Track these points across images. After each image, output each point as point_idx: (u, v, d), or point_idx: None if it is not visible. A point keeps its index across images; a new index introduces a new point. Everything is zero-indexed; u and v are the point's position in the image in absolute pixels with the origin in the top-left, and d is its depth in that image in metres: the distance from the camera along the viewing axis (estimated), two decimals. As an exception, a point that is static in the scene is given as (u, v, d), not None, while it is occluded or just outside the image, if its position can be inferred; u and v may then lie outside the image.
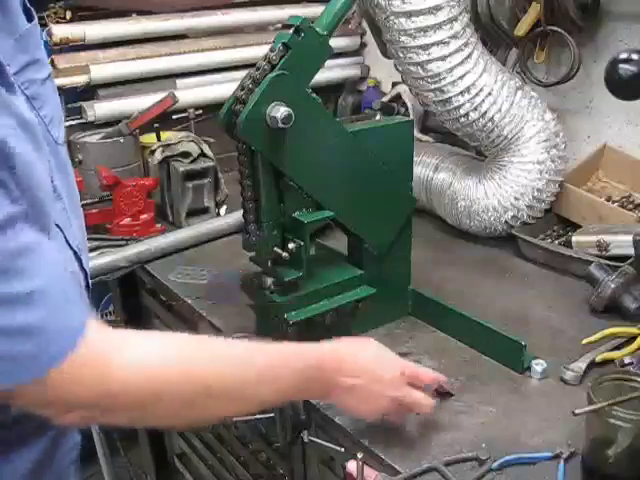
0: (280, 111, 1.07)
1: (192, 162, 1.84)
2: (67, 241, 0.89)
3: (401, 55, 1.53)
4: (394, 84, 2.26)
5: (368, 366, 0.97)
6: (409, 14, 1.46)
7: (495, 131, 1.59)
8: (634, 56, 1.30)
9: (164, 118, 2.02)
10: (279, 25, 2.46)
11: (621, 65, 1.31)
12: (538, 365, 1.18)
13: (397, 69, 1.63)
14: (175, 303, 1.56)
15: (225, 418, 0.84)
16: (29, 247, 0.69)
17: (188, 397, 0.78)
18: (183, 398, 0.78)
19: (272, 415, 1.20)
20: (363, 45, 2.66)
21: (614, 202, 1.71)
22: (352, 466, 0.99)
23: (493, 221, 1.67)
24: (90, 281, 0.97)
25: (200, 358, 0.81)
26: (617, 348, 1.23)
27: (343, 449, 1.10)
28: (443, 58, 1.50)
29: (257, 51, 2.25)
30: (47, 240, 0.74)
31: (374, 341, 1.03)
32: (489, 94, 1.55)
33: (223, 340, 0.88)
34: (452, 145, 1.92)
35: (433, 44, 1.48)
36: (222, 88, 2.20)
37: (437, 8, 1.45)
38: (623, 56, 1.31)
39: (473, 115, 1.56)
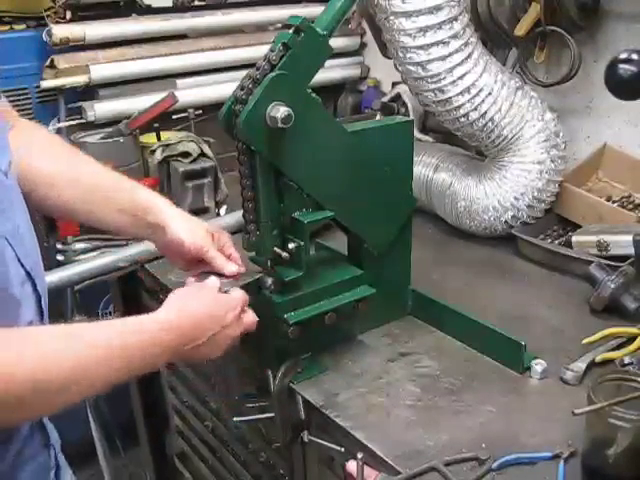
0: (280, 111, 1.07)
1: (192, 162, 1.84)
2: (18, 259, 0.86)
3: (401, 55, 1.53)
4: (394, 84, 2.26)
5: (206, 326, 0.99)
6: (409, 14, 1.46)
7: (495, 131, 1.59)
8: (634, 56, 1.30)
9: (164, 118, 2.01)
10: (279, 25, 2.46)
11: (621, 65, 1.31)
12: (538, 365, 1.18)
13: (397, 69, 1.63)
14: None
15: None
16: None
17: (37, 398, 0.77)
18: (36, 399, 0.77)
19: (272, 415, 1.20)
20: (363, 45, 2.66)
21: (614, 202, 1.71)
22: (352, 466, 0.99)
23: (493, 221, 1.67)
24: (44, 306, 0.94)
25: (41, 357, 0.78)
26: (617, 348, 1.23)
27: (343, 449, 1.10)
28: (443, 58, 1.50)
29: (257, 51, 2.26)
30: None
31: (204, 290, 1.05)
32: (489, 94, 1.55)
33: (61, 337, 0.83)
34: (452, 145, 1.92)
35: (433, 44, 1.48)
36: (222, 88, 2.21)
37: (437, 8, 1.45)
38: (623, 56, 1.31)
39: (473, 115, 1.56)
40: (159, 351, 0.92)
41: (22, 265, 0.87)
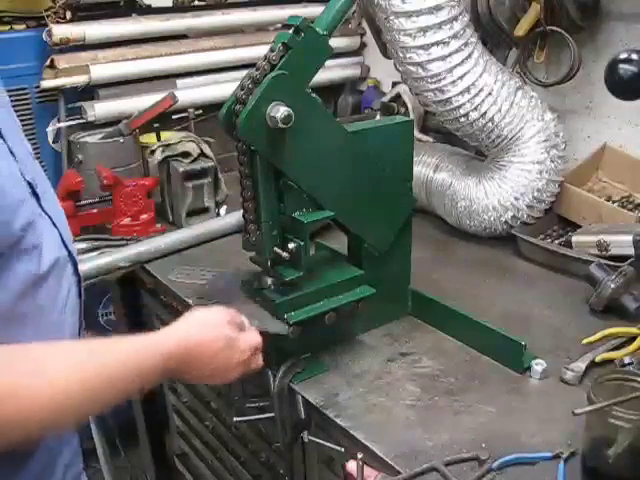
0: (280, 111, 1.07)
1: (192, 162, 1.84)
2: (64, 242, 0.91)
3: (401, 55, 1.53)
4: (394, 84, 2.26)
5: (211, 361, 0.97)
6: (409, 14, 1.46)
7: (495, 131, 1.59)
8: (634, 56, 1.30)
9: (164, 118, 2.02)
10: (279, 25, 2.46)
11: (621, 65, 1.31)
12: (538, 365, 1.18)
13: (397, 69, 1.63)
14: (175, 303, 1.56)
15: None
16: None
17: (43, 414, 0.75)
18: (37, 415, 0.74)
19: (272, 415, 1.20)
20: (363, 45, 2.66)
21: (614, 202, 1.71)
22: (352, 466, 0.99)
23: (493, 221, 1.67)
24: (82, 287, 0.98)
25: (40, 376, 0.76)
26: (617, 348, 1.23)
27: (343, 449, 1.10)
28: (443, 58, 1.50)
29: (257, 51, 2.26)
30: None
31: (226, 326, 1.01)
32: (489, 94, 1.55)
33: (65, 352, 0.82)
34: (452, 145, 1.92)
35: (433, 44, 1.48)
36: (222, 88, 2.21)
37: (437, 8, 1.45)
38: (623, 56, 1.31)
39: (473, 115, 1.56)
40: (159, 374, 0.90)
41: (66, 246, 0.91)
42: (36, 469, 0.89)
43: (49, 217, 0.91)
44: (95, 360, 0.81)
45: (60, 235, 0.92)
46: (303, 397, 1.17)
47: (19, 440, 0.76)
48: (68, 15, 2.07)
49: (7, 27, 2.05)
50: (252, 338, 1.05)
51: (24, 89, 2.04)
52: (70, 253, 0.93)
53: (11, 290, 0.81)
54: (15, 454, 0.84)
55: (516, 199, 1.64)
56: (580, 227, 1.67)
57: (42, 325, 0.86)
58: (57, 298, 0.90)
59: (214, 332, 0.98)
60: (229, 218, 1.81)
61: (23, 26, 2.07)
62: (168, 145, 1.87)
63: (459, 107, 1.56)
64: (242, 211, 1.20)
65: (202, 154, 1.87)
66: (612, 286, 1.34)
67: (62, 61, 2.01)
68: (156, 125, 1.99)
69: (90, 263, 1.62)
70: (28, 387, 0.73)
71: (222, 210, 1.91)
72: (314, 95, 1.16)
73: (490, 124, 1.58)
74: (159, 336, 0.92)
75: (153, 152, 1.90)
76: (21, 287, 0.83)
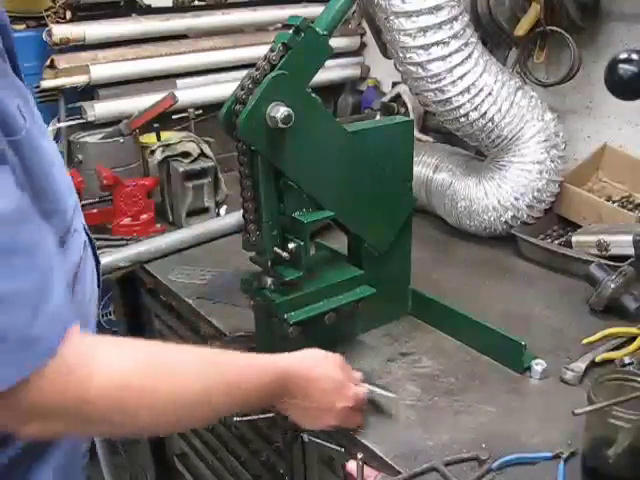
0: (280, 111, 1.07)
1: (192, 162, 1.84)
2: (84, 228, 0.94)
3: (401, 55, 1.53)
4: (394, 84, 2.26)
5: (321, 394, 0.98)
6: (409, 14, 1.46)
7: (495, 131, 1.59)
8: (634, 56, 1.30)
9: (164, 118, 2.02)
10: (279, 25, 2.46)
11: (621, 65, 1.31)
12: (538, 365, 1.18)
13: (397, 69, 1.63)
14: (175, 303, 1.56)
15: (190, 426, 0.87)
16: (29, 246, 0.69)
17: (160, 406, 0.78)
18: (156, 407, 0.77)
19: (272, 415, 1.20)
20: (363, 45, 2.66)
21: (614, 202, 1.71)
22: (352, 466, 0.99)
23: (493, 221, 1.67)
24: (99, 273, 1.01)
25: (175, 368, 0.81)
26: (617, 348, 1.23)
27: (343, 449, 1.10)
28: (443, 58, 1.50)
29: (257, 51, 2.26)
30: (48, 234, 0.75)
31: (335, 363, 1.02)
32: (489, 94, 1.55)
33: (186, 350, 0.87)
34: (452, 145, 1.92)
35: (433, 44, 1.48)
36: (222, 88, 2.21)
37: (437, 8, 1.45)
38: (623, 56, 1.31)
39: (473, 115, 1.56)
40: (268, 392, 0.93)
41: (85, 231, 0.95)
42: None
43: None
44: (217, 369, 0.85)
45: (81, 219, 0.96)
46: (303, 397, 1.17)
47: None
48: (68, 15, 2.07)
49: (7, 27, 2.05)
50: (361, 391, 1.04)
51: (24, 89, 2.03)
52: (89, 236, 0.97)
53: (68, 273, 0.84)
54: None
55: (516, 199, 1.64)
56: (580, 227, 1.67)
57: (81, 310, 0.89)
58: (86, 283, 0.93)
59: (327, 370, 1.00)
60: (229, 218, 1.81)
61: (23, 26, 2.06)
62: (168, 145, 1.87)
63: (459, 107, 1.56)
64: (242, 211, 1.20)
65: (202, 154, 1.87)
66: (612, 286, 1.34)
67: (62, 61, 2.01)
68: (156, 125, 1.99)
69: (90, 263, 1.62)
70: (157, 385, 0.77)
71: (222, 210, 1.91)
72: (314, 95, 1.15)
73: (490, 124, 1.58)
74: (274, 356, 0.95)
75: (153, 152, 1.90)
76: (74, 270, 0.86)
